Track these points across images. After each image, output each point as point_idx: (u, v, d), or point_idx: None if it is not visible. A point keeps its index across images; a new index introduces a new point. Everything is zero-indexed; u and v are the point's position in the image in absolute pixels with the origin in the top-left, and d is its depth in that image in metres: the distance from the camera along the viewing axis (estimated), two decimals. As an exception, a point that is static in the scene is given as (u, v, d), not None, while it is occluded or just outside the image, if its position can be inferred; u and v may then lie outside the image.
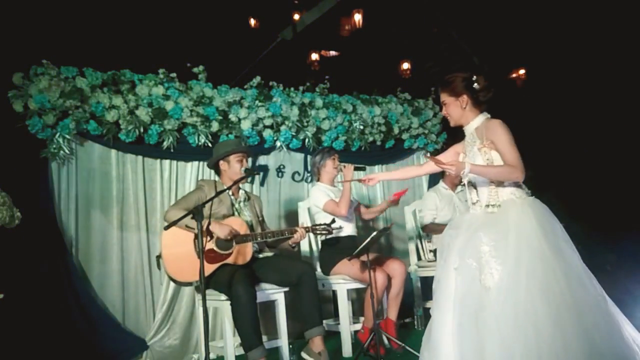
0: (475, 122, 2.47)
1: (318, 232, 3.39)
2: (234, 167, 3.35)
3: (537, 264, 2.08)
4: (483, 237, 2.22)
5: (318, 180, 3.94)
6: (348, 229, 3.81)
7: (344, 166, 3.70)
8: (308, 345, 3.21)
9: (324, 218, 3.66)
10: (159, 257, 3.16)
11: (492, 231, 2.23)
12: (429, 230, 4.47)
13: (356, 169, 3.75)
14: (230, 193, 3.39)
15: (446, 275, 2.31)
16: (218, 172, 3.47)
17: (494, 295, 2.09)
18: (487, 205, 2.38)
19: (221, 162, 3.39)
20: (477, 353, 2.03)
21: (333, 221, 3.38)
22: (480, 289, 2.14)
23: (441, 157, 2.58)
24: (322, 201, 3.73)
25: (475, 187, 2.45)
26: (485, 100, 2.48)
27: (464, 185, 2.53)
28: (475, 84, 2.45)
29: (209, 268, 3.06)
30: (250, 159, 3.92)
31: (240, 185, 3.46)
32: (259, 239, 3.24)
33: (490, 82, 2.45)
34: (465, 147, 2.53)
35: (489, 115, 2.49)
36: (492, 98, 2.49)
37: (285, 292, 3.33)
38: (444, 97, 2.53)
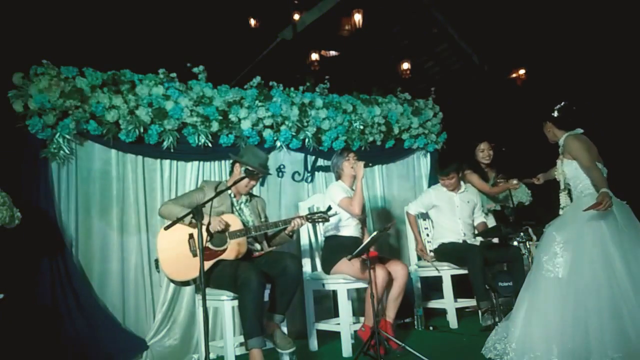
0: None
1: (315, 219, 3.37)
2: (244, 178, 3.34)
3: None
4: None
5: (338, 179, 3.96)
6: (354, 230, 3.82)
7: (356, 164, 3.74)
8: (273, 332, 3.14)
9: (338, 213, 3.71)
10: (157, 260, 3.17)
11: None
12: (409, 220, 4.53)
13: (365, 166, 3.76)
14: (233, 195, 3.40)
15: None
16: (232, 170, 3.50)
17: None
18: None
19: (237, 165, 3.41)
20: None
21: (329, 208, 3.38)
22: None
23: None
24: (340, 197, 3.76)
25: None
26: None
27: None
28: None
29: (204, 265, 3.06)
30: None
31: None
32: (252, 232, 3.23)
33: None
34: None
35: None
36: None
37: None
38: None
